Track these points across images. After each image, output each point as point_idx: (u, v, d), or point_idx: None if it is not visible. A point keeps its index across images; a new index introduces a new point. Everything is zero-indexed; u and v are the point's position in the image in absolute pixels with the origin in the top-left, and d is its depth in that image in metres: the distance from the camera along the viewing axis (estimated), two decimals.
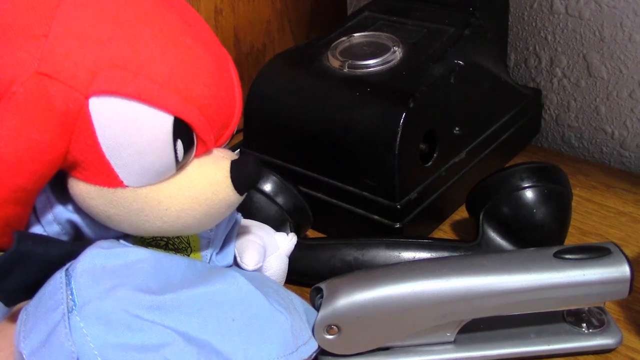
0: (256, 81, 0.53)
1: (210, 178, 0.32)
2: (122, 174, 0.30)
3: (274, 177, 0.46)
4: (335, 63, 0.51)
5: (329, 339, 0.37)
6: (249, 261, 0.37)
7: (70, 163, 0.30)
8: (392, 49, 0.50)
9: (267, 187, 0.46)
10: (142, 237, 0.35)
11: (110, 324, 0.29)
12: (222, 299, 0.32)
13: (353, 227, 0.49)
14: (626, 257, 0.37)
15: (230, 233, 0.38)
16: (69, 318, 0.29)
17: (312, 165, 0.50)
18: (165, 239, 0.35)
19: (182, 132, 0.30)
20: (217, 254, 0.37)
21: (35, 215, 0.32)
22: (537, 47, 0.63)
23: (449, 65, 0.49)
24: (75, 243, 0.33)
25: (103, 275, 0.30)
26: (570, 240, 0.48)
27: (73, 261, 0.31)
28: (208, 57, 0.31)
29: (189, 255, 0.36)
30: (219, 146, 0.33)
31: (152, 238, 0.35)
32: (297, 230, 0.47)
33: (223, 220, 0.36)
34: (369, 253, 0.44)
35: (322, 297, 0.38)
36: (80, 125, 0.29)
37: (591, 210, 0.53)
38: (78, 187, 0.31)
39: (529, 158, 0.60)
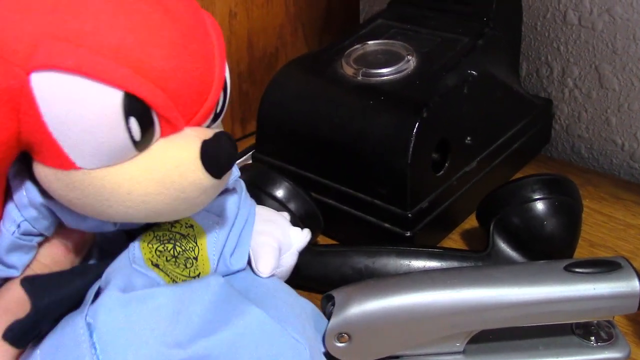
0: (269, 87, 0.53)
1: (175, 159, 0.29)
2: (72, 155, 0.28)
3: (286, 183, 0.46)
4: (349, 71, 0.51)
5: (339, 347, 0.37)
6: (265, 269, 0.36)
7: (25, 144, 0.28)
8: (406, 58, 0.51)
9: (279, 192, 0.46)
10: (152, 243, 0.33)
11: None
12: (247, 341, 0.31)
13: (363, 234, 0.49)
14: (636, 272, 0.37)
15: (246, 230, 0.36)
16: None
17: (324, 171, 0.50)
18: (173, 241, 0.33)
19: (136, 109, 0.27)
20: (231, 255, 0.35)
21: (12, 199, 0.30)
22: (549, 57, 0.63)
23: (463, 76, 0.50)
24: (84, 272, 0.31)
25: (127, 328, 0.28)
26: (579, 252, 0.48)
27: (89, 308, 0.29)
28: (169, 25, 0.28)
29: (196, 261, 0.34)
30: (199, 125, 0.30)
31: (164, 245, 0.33)
32: None
33: (227, 208, 0.35)
34: (379, 261, 0.45)
35: (333, 304, 0.38)
36: (25, 103, 0.26)
37: (600, 222, 0.53)
38: (38, 170, 0.29)
39: (539, 168, 0.60)
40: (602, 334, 0.40)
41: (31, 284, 0.29)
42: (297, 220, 0.46)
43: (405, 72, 0.50)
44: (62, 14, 0.27)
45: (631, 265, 0.38)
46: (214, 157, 0.29)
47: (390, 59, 0.51)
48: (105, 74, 0.26)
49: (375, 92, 0.49)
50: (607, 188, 0.57)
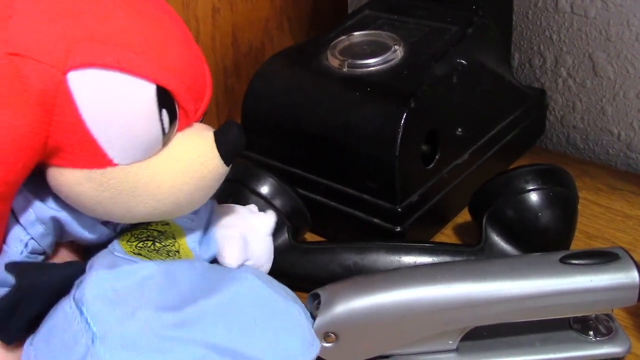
0: (253, 81, 0.52)
1: (196, 149, 0.31)
2: (110, 152, 0.29)
3: (271, 179, 0.45)
4: (334, 62, 0.50)
5: (326, 347, 0.36)
6: (230, 259, 0.36)
7: (51, 150, 0.29)
8: (392, 48, 0.49)
9: (264, 189, 0.45)
10: (131, 240, 0.34)
11: (140, 350, 0.28)
12: (241, 302, 0.32)
13: (352, 230, 0.48)
14: (635, 262, 0.36)
15: (210, 220, 0.37)
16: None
17: (311, 167, 0.49)
18: (152, 238, 0.34)
19: (166, 101, 0.29)
20: (200, 245, 0.36)
21: (15, 217, 0.31)
22: (541, 46, 0.61)
23: (452, 65, 0.48)
24: (69, 264, 0.32)
25: (117, 299, 0.29)
26: (576, 245, 0.46)
27: (77, 289, 0.30)
28: (175, 27, 0.31)
29: (179, 252, 0.35)
30: (197, 120, 0.32)
31: (143, 242, 0.34)
32: (295, 233, 0.45)
33: (202, 208, 0.35)
34: (368, 257, 0.43)
35: (319, 303, 0.36)
36: (61, 103, 0.28)
37: (597, 214, 0.51)
38: (62, 176, 0.30)
39: (533, 160, 0.58)
40: (601, 328, 0.39)
41: (15, 266, 0.30)
42: (284, 218, 0.44)
43: (392, 62, 0.49)
44: (89, 19, 0.28)
45: (629, 255, 0.36)
46: (228, 145, 0.32)
47: (376, 49, 0.50)
48: (141, 69, 0.28)
49: (361, 83, 0.47)
50: (603, 179, 0.56)
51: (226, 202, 0.44)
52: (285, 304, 0.33)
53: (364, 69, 0.48)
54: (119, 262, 0.32)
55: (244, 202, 0.43)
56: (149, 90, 0.29)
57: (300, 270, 0.44)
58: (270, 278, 0.36)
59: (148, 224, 0.35)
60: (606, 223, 0.50)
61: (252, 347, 0.30)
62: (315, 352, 0.33)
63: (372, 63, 0.48)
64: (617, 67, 0.57)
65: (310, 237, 0.50)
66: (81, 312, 0.29)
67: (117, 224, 0.34)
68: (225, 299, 0.31)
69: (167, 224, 0.35)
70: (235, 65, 0.64)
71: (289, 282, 0.44)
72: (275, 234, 0.43)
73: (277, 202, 0.44)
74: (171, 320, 0.29)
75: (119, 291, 0.30)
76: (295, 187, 0.46)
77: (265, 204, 0.44)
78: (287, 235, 0.44)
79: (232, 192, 0.44)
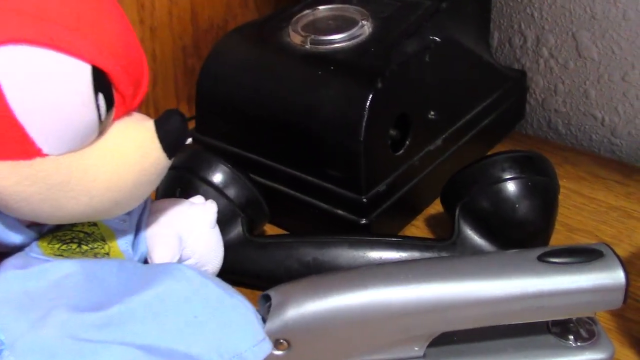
0: (209, 59, 0.48)
1: (136, 139, 0.29)
2: (39, 140, 0.26)
3: (224, 166, 0.41)
4: (296, 39, 0.46)
5: (277, 356, 0.32)
6: (159, 260, 0.33)
7: None
8: (360, 23, 0.45)
9: (216, 177, 0.41)
10: (52, 243, 0.30)
11: (56, 356, 0.26)
12: (176, 297, 0.29)
13: (314, 222, 0.44)
14: (620, 260, 0.32)
15: (140, 219, 0.34)
16: None
17: (269, 152, 0.45)
18: (77, 240, 0.31)
19: (102, 84, 0.27)
20: (133, 247, 0.33)
21: None
22: (522, 24, 0.58)
23: (424, 42, 0.45)
24: None
25: (29, 302, 0.27)
26: (556, 238, 0.43)
27: None
28: (110, 4, 0.29)
29: (109, 255, 0.31)
30: (135, 109, 0.30)
31: (67, 244, 0.30)
32: (251, 226, 0.42)
33: (139, 207, 0.33)
34: (330, 252, 0.40)
35: (270, 306, 0.33)
36: None
37: (579, 204, 0.48)
38: None
39: (512, 146, 0.55)
40: (582, 332, 0.35)
41: None
42: (237, 210, 0.40)
43: (359, 38, 0.45)
44: None
45: (614, 252, 0.33)
46: (170, 135, 0.29)
47: (342, 24, 0.46)
48: (75, 47, 0.26)
49: (324, 61, 0.44)
50: (586, 167, 0.52)
51: (174, 192, 0.40)
52: (230, 299, 0.30)
53: (328, 46, 0.45)
54: (34, 263, 0.29)
55: (193, 192, 0.39)
56: (84, 71, 0.26)
57: (255, 266, 0.41)
58: (212, 276, 0.33)
59: (73, 224, 0.31)
60: (589, 215, 0.47)
61: (193, 345, 0.28)
62: (266, 350, 0.30)
63: (337, 39, 0.45)
64: (601, 48, 0.54)
65: (270, 229, 0.46)
66: None
67: (44, 226, 0.31)
68: (158, 295, 0.29)
69: (95, 224, 0.32)
70: (195, 44, 0.60)
71: (242, 280, 0.41)
72: (228, 227, 0.40)
73: (231, 192, 0.41)
74: (93, 321, 0.27)
75: (32, 293, 0.27)
76: (251, 175, 0.42)
77: (216, 194, 0.40)
78: (241, 228, 0.41)
79: (180, 181, 0.40)
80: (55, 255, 0.30)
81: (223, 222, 0.39)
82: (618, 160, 0.55)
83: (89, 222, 0.31)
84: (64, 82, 0.26)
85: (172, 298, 0.29)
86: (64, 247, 0.30)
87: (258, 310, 0.33)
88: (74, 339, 0.26)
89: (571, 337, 0.35)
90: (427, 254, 0.40)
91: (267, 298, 0.33)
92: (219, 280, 0.32)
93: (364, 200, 0.42)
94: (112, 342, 0.26)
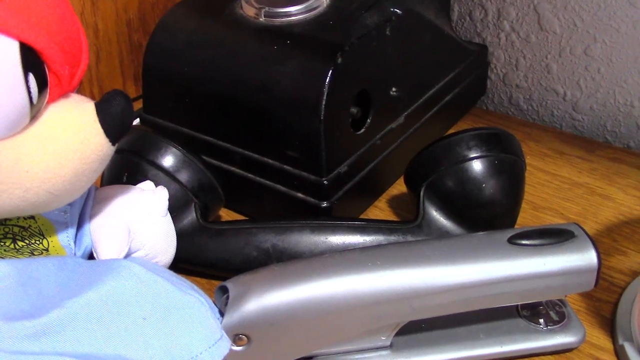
0: (155, 33, 0.44)
1: (74, 124, 0.26)
2: None
3: (174, 149, 0.38)
4: (249, 11, 0.43)
5: (237, 351, 0.30)
6: (106, 254, 0.30)
7: None
8: None
9: (166, 161, 0.38)
10: None
11: None
12: (123, 298, 0.27)
13: (273, 206, 0.42)
14: (592, 241, 0.31)
15: (84, 210, 0.31)
16: None
17: (223, 133, 0.43)
18: (11, 235, 0.28)
19: (33, 62, 0.24)
20: (75, 241, 0.30)
21: None
22: None
23: (384, 14, 0.42)
24: None
25: None
26: (523, 218, 0.42)
27: None
28: None
29: (47, 251, 0.29)
30: (73, 90, 0.27)
31: None
32: (205, 212, 0.39)
33: (82, 197, 0.31)
34: (290, 238, 0.37)
35: (228, 298, 0.30)
36: None
37: (544, 182, 0.47)
38: None
39: (474, 122, 0.54)
40: (553, 314, 0.35)
41: None
42: (190, 194, 0.38)
43: (316, 11, 0.42)
44: None
45: (586, 233, 0.32)
46: (113, 118, 0.27)
47: None
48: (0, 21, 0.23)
49: (280, 35, 0.41)
50: (549, 143, 0.51)
51: (120, 178, 0.37)
52: (182, 296, 0.28)
53: (284, 19, 0.42)
54: None
55: (141, 177, 0.37)
56: (11, 48, 0.23)
57: (211, 255, 0.38)
58: (164, 269, 0.30)
59: (6, 218, 0.28)
60: (553, 192, 0.46)
61: (143, 350, 0.26)
62: (224, 350, 0.28)
63: (293, 12, 0.42)
64: (563, 20, 0.53)
65: (227, 215, 0.44)
66: None
67: None
68: (101, 297, 0.26)
69: (32, 217, 0.29)
70: (142, 18, 0.56)
71: (199, 269, 0.39)
72: (181, 214, 0.38)
73: (182, 176, 0.38)
74: (27, 329, 0.25)
75: None
76: (204, 158, 0.39)
77: (167, 178, 0.37)
78: (194, 215, 0.38)
79: (127, 165, 0.38)
80: None
81: (175, 208, 0.36)
82: (580, 136, 0.54)
83: (24, 216, 0.29)
84: None
85: (118, 299, 0.27)
86: None
87: (215, 304, 0.31)
88: (4, 352, 0.24)
89: (541, 320, 0.34)
90: (391, 238, 0.38)
91: (225, 290, 0.31)
92: (170, 274, 0.30)
93: (325, 182, 0.40)
94: (49, 353, 0.24)
